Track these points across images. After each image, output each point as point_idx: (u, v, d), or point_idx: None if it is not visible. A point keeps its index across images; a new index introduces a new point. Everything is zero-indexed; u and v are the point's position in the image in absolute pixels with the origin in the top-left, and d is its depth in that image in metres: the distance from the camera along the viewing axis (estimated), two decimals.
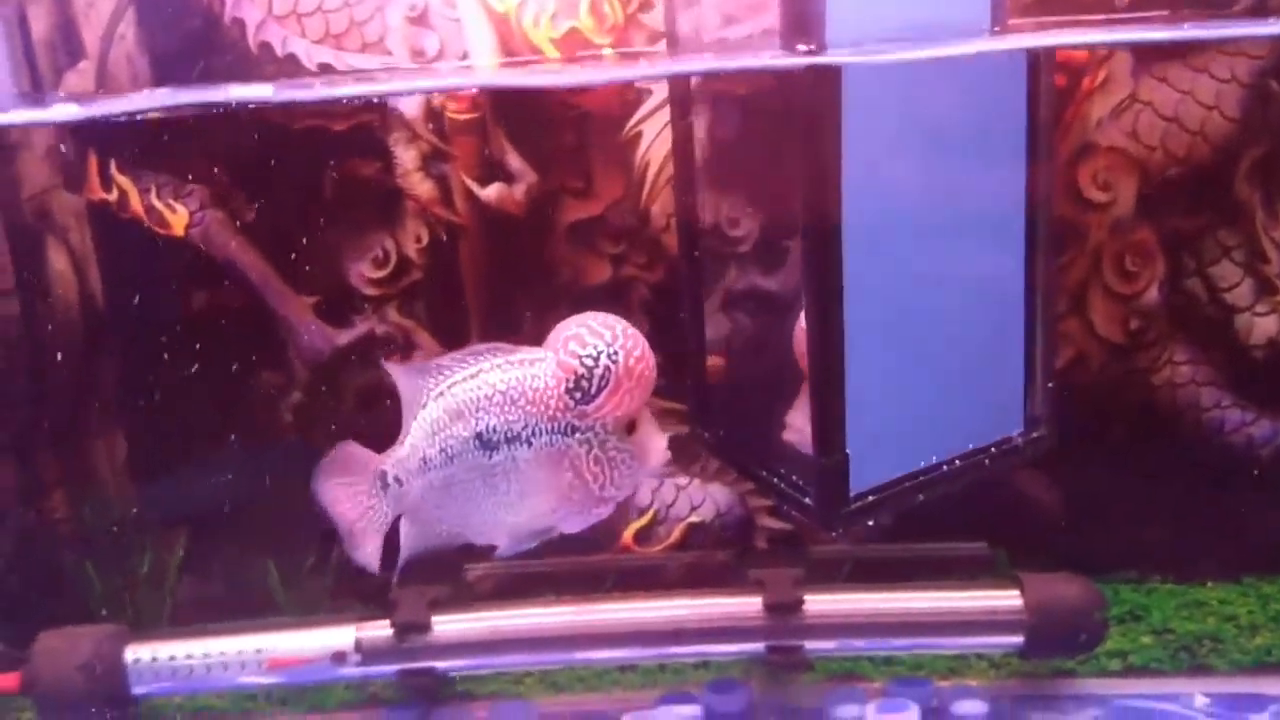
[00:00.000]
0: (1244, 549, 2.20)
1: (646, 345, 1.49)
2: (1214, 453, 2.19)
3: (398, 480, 1.55)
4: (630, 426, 1.50)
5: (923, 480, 1.85)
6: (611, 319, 1.50)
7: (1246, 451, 2.18)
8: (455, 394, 1.52)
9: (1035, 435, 1.94)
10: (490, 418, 1.50)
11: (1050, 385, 1.92)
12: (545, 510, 1.54)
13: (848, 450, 1.76)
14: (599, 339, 1.46)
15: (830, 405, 1.75)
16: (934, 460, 1.87)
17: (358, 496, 1.59)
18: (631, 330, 1.49)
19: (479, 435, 1.51)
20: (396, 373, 1.58)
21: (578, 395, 1.47)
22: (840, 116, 1.65)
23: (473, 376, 1.51)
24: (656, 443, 1.52)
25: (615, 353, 1.46)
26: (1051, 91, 1.87)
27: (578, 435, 1.49)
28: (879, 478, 1.84)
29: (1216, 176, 2.11)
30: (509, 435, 1.50)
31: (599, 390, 1.47)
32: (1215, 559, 2.22)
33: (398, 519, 1.59)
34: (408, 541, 1.60)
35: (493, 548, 1.63)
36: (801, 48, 1.64)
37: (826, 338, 1.73)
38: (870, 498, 1.83)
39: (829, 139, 1.65)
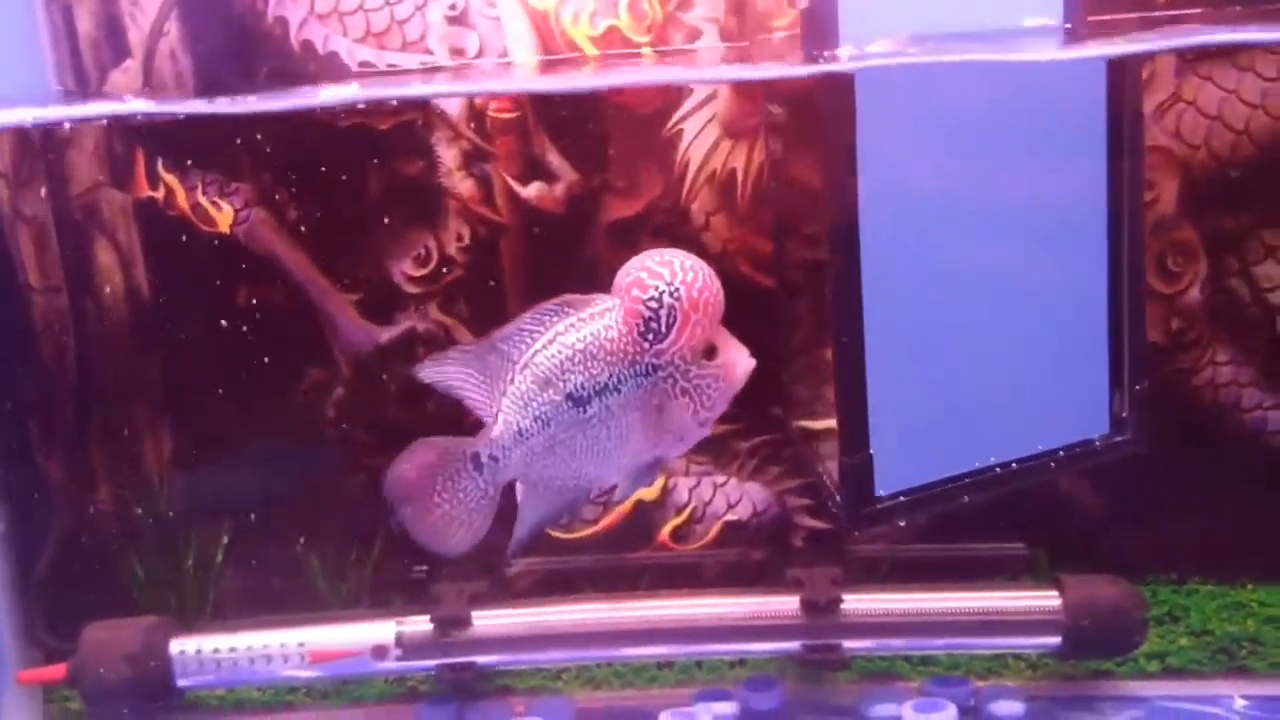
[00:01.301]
0: None
1: (707, 272, 1.50)
2: (1255, 453, 2.18)
3: (493, 458, 1.58)
4: (710, 351, 1.53)
5: (970, 483, 1.85)
6: (669, 254, 1.51)
7: None
8: (538, 363, 1.55)
9: (1118, 439, 1.92)
10: (576, 377, 1.54)
11: (1139, 389, 1.90)
12: (648, 446, 1.57)
13: (871, 450, 1.76)
14: (658, 279, 1.49)
15: (852, 405, 1.76)
16: (990, 462, 1.86)
17: (451, 485, 1.60)
18: (689, 262, 1.50)
19: (569, 395, 1.55)
20: (466, 359, 1.60)
21: (649, 336, 1.51)
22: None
23: (550, 343, 1.55)
24: (738, 360, 1.53)
25: (676, 289, 1.48)
26: (1137, 85, 1.86)
27: (660, 372, 1.53)
28: (915, 479, 1.84)
29: (1261, 175, 2.09)
30: (597, 388, 1.54)
31: (668, 328, 1.50)
32: (1255, 561, 2.20)
33: (503, 496, 1.62)
34: (530, 508, 1.63)
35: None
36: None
37: (849, 338, 1.74)
38: (901, 498, 1.83)
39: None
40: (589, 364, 1.53)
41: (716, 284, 1.50)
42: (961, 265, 1.84)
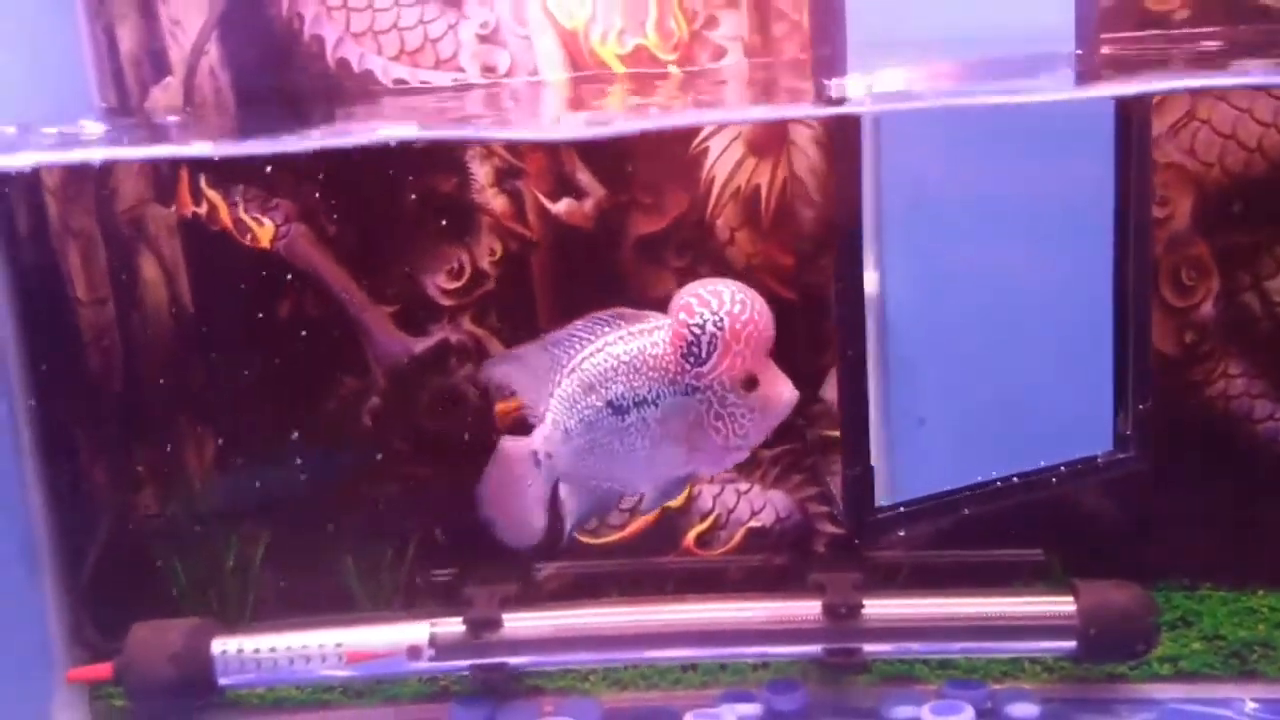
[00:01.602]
0: None
1: (758, 307, 1.55)
2: (1267, 463, 2.21)
3: (548, 455, 1.66)
4: (750, 382, 1.57)
5: (970, 496, 1.89)
6: (722, 285, 1.56)
7: None
8: (585, 368, 1.62)
9: (1121, 456, 1.95)
10: (618, 386, 1.61)
11: (1142, 407, 1.93)
12: (680, 461, 1.63)
13: (872, 463, 1.81)
14: (706, 307, 1.54)
15: (854, 419, 1.80)
16: (990, 476, 1.90)
17: (523, 482, 1.69)
18: (740, 295, 1.54)
19: (610, 402, 1.61)
20: (517, 358, 1.68)
21: (691, 360, 1.56)
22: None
23: (599, 350, 1.62)
24: (779, 395, 1.57)
25: (721, 319, 1.53)
26: (1146, 110, 1.89)
27: (698, 395, 1.58)
28: (918, 490, 1.89)
29: (1273, 192, 2.13)
30: (636, 400, 1.60)
31: (709, 354, 1.55)
32: (1266, 567, 2.24)
33: (554, 490, 1.70)
34: (570, 505, 1.71)
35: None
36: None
37: (852, 353, 1.79)
38: (901, 509, 1.87)
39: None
40: (631, 376, 1.60)
41: (766, 319, 1.55)
42: (967, 284, 1.88)
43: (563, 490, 1.69)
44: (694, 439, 1.61)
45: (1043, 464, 1.93)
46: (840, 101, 1.74)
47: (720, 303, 1.54)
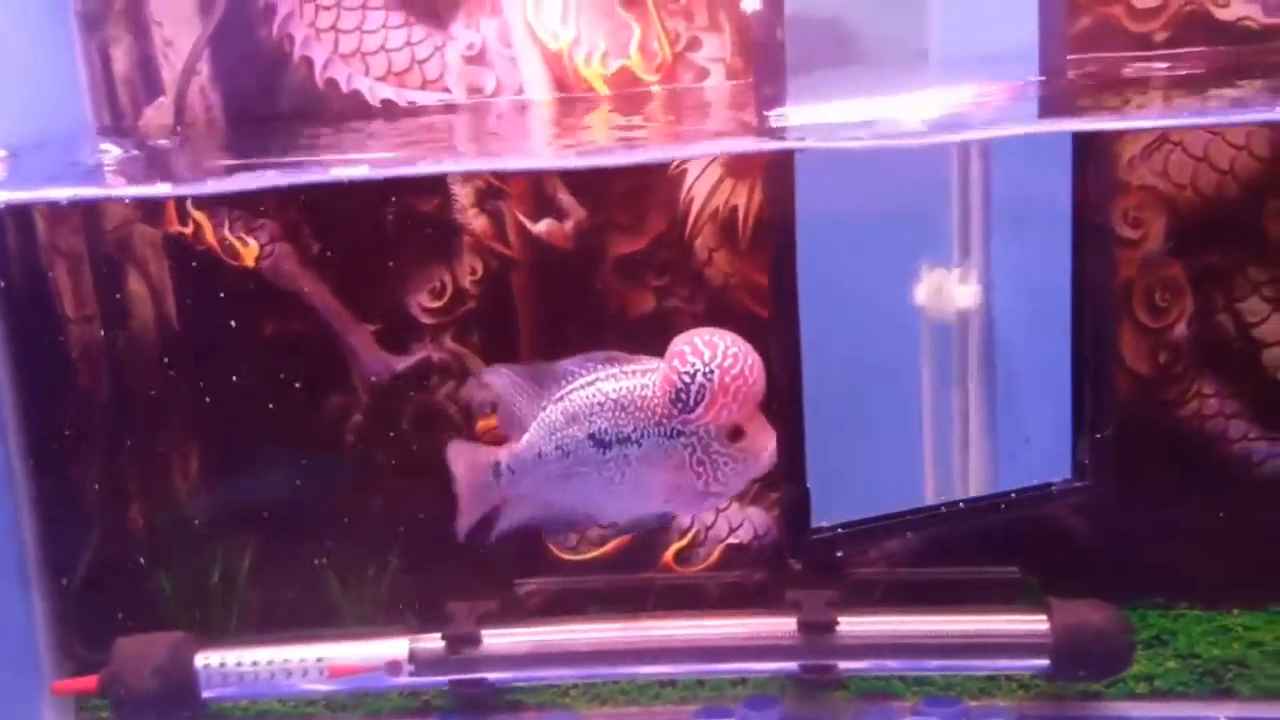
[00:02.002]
0: (1270, 577, 2.23)
1: (750, 361, 1.58)
2: (1241, 483, 2.23)
3: (510, 469, 1.72)
4: (736, 432, 1.61)
5: (912, 519, 1.91)
6: (718, 336, 1.60)
7: (1274, 482, 2.21)
8: (572, 400, 1.67)
9: (1077, 484, 1.97)
10: (602, 421, 1.65)
11: (1099, 436, 1.93)
12: (657, 500, 1.68)
13: (808, 485, 1.84)
14: (699, 357, 1.59)
15: (791, 444, 1.84)
16: (934, 501, 1.92)
17: (473, 479, 1.75)
18: (734, 348, 1.58)
19: (592, 435, 1.66)
20: (511, 376, 1.73)
21: (679, 405, 1.60)
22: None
23: (589, 385, 1.66)
24: (761, 448, 1.62)
25: (711, 371, 1.57)
26: (1106, 146, 1.92)
27: (682, 439, 1.63)
28: (854, 513, 1.91)
29: (1245, 214, 2.15)
30: (619, 437, 1.65)
31: (697, 403, 1.59)
32: (1241, 587, 2.25)
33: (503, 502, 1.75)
34: (509, 518, 1.76)
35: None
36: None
37: (788, 379, 1.83)
38: (839, 529, 1.90)
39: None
40: (617, 413, 1.65)
41: (757, 373, 1.59)
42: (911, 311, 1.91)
43: (518, 507, 1.73)
44: (673, 480, 1.64)
45: (999, 489, 1.94)
46: (779, 134, 1.77)
47: (713, 354, 1.58)
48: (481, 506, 1.74)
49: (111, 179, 1.98)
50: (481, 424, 2.32)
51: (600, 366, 1.66)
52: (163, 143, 2.27)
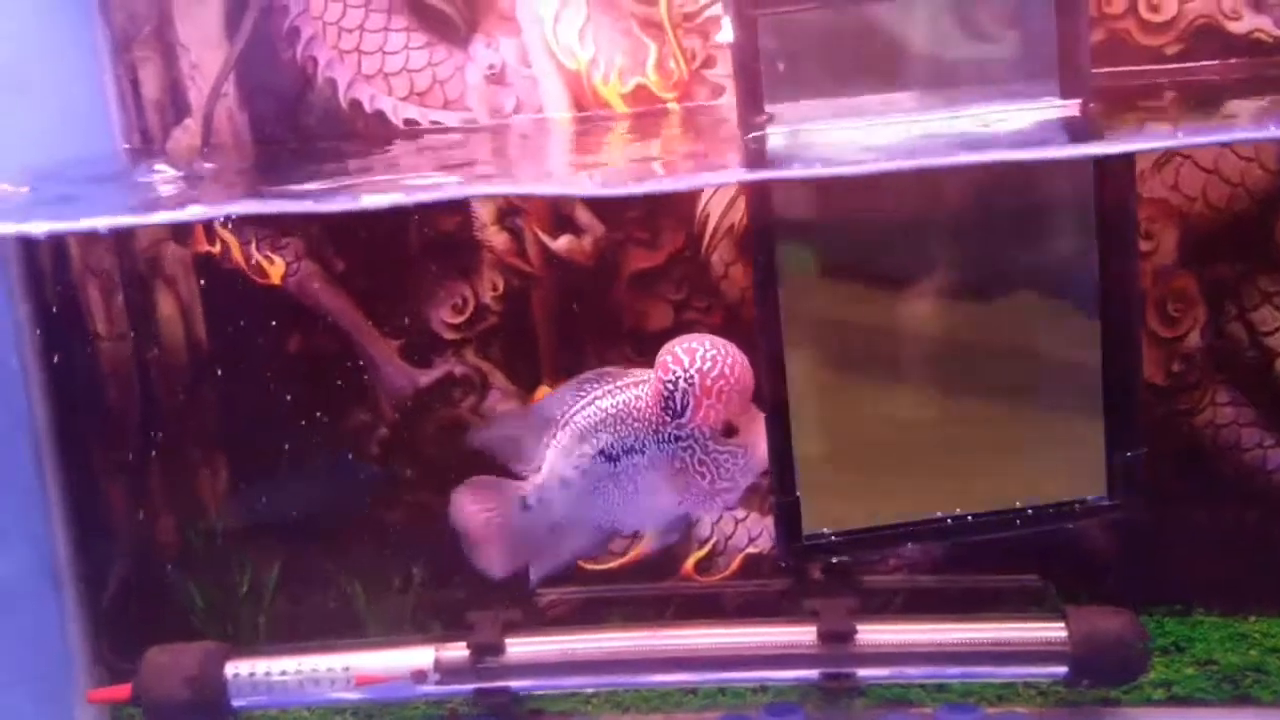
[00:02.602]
0: None
1: (730, 361, 1.64)
2: (1256, 491, 2.24)
3: (539, 501, 1.78)
4: (731, 430, 1.67)
5: (913, 530, 1.94)
6: (697, 341, 1.66)
7: None
8: (576, 421, 1.73)
9: (1101, 503, 1.96)
10: (606, 436, 1.71)
11: (1130, 455, 1.92)
12: (672, 504, 1.74)
13: (798, 493, 1.90)
14: (679, 364, 1.65)
15: (780, 451, 1.88)
16: (938, 514, 1.95)
17: (501, 519, 1.80)
18: (712, 351, 1.64)
19: (601, 451, 1.72)
20: (523, 414, 1.85)
21: (670, 412, 1.66)
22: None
23: (589, 404, 1.73)
24: (758, 440, 1.69)
25: (691, 376, 1.64)
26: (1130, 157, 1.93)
27: (680, 443, 1.69)
28: (849, 523, 1.95)
29: (1256, 225, 2.16)
30: (624, 448, 1.72)
31: (683, 408, 1.64)
32: (1258, 593, 2.26)
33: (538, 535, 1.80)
34: (549, 555, 1.81)
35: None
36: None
37: (774, 385, 1.87)
38: (832, 538, 1.95)
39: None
40: (619, 426, 1.71)
41: (739, 371, 1.65)
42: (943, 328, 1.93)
43: (552, 535, 1.78)
44: (682, 483, 1.70)
45: (1017, 504, 1.96)
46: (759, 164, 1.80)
47: (691, 360, 1.65)
48: (513, 543, 1.79)
49: (187, 202, 2.00)
50: None
51: (595, 385, 1.72)
52: (208, 165, 2.30)
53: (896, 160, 1.68)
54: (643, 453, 1.70)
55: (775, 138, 1.84)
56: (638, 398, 1.70)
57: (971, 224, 1.96)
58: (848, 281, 1.98)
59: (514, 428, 1.80)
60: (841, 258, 1.96)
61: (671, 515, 1.75)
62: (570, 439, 1.73)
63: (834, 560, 2.08)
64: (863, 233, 1.95)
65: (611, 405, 1.71)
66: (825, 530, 1.96)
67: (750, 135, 1.84)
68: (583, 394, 1.73)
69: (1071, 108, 1.75)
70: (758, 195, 1.89)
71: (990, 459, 1.97)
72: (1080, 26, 1.74)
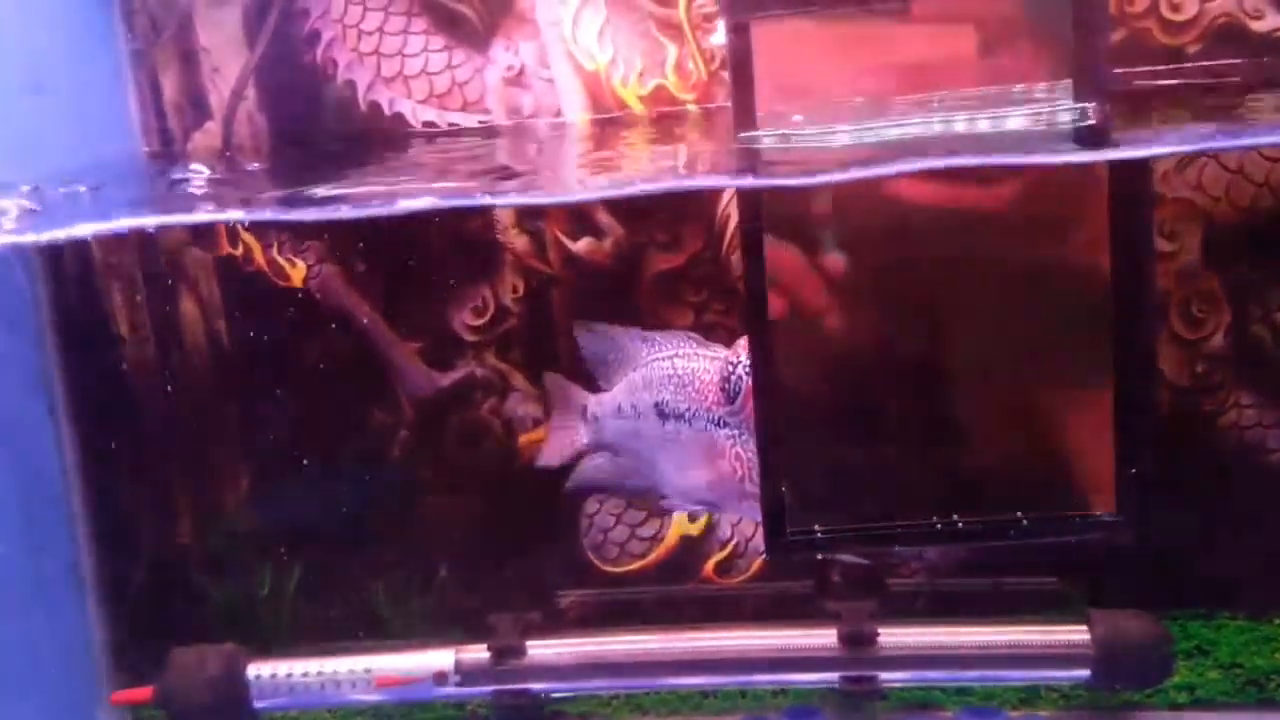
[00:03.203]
0: None
1: None
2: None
3: (595, 417, 1.87)
4: None
5: (902, 532, 1.94)
6: None
7: None
8: (651, 367, 1.79)
9: (1102, 519, 1.92)
10: (667, 393, 1.76)
11: (1134, 471, 1.89)
12: (702, 485, 1.76)
13: (783, 489, 1.87)
14: (745, 350, 1.64)
15: (769, 446, 1.86)
16: (929, 518, 1.94)
17: (565, 415, 1.94)
18: None
19: (657, 404, 1.78)
20: (609, 334, 1.89)
21: (725, 394, 1.66)
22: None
23: (668, 358, 1.78)
24: None
25: (750, 368, 1.65)
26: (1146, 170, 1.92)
27: (726, 429, 1.69)
28: (837, 521, 1.94)
29: None
30: (677, 412, 1.76)
31: (737, 394, 1.64)
32: None
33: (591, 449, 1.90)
34: (592, 470, 1.91)
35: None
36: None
37: (765, 381, 1.85)
38: (817, 534, 1.93)
39: None
40: (680, 389, 1.72)
41: None
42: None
43: (598, 455, 1.80)
44: (716, 469, 1.68)
45: (1000, 515, 1.94)
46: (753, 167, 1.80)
47: None
48: (567, 440, 1.83)
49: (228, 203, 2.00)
50: (524, 438, 2.36)
51: (682, 344, 1.73)
52: (252, 166, 2.32)
53: (887, 166, 1.66)
54: (691, 424, 1.71)
55: (769, 140, 1.84)
56: (705, 370, 1.71)
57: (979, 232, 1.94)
58: (844, 281, 1.97)
59: (609, 346, 1.86)
60: (838, 258, 1.94)
61: (699, 498, 1.74)
62: (640, 380, 1.78)
63: (819, 557, 2.08)
64: (860, 234, 1.94)
65: (683, 368, 1.74)
66: (813, 528, 1.96)
67: (742, 136, 1.84)
68: (669, 346, 1.77)
69: (1088, 111, 1.72)
70: (747, 200, 1.88)
71: (992, 466, 1.96)
72: (1097, 27, 1.72)
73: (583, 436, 1.89)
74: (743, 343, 1.65)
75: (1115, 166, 1.77)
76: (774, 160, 1.75)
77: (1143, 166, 1.90)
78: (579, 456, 1.92)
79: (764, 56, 1.76)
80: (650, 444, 1.77)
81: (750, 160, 1.76)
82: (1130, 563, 2.26)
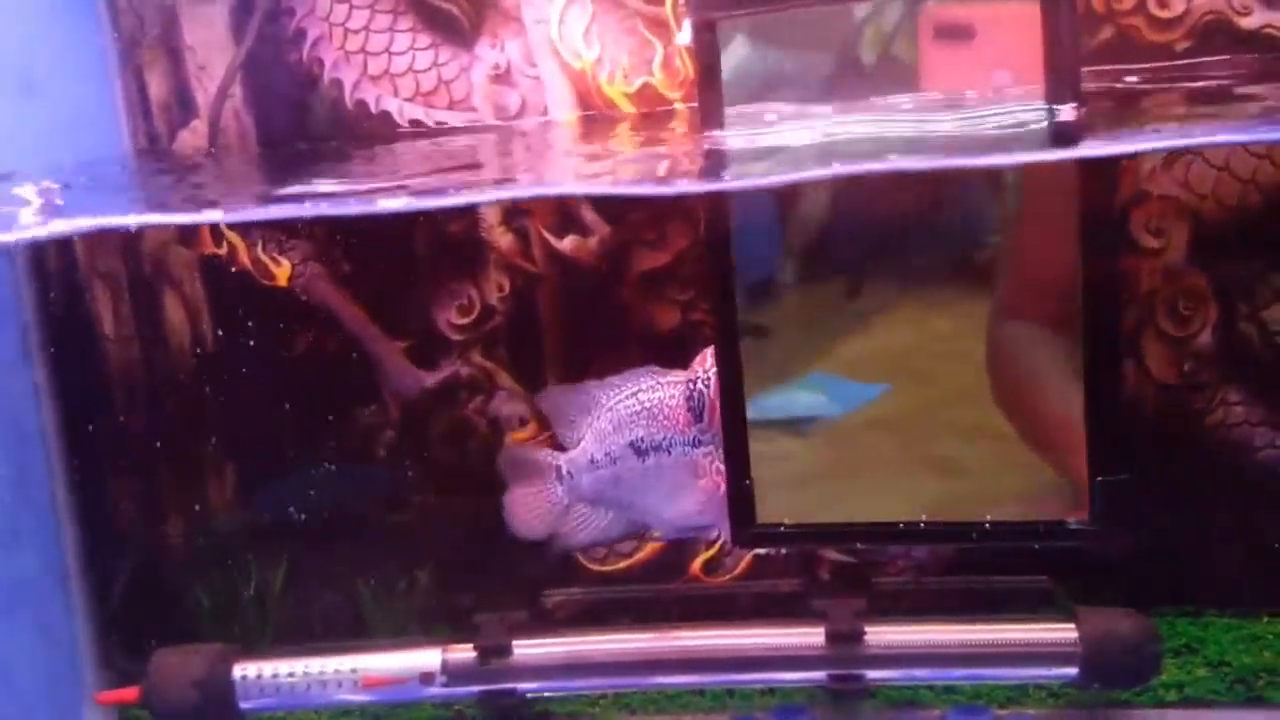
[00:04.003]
0: None
1: None
2: (1269, 490, 2.21)
3: (569, 474, 1.88)
4: None
5: (864, 531, 1.96)
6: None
7: None
8: (616, 410, 1.81)
9: (1073, 525, 1.93)
10: (640, 429, 1.79)
11: (1100, 480, 1.89)
12: (692, 510, 1.80)
13: (750, 478, 1.90)
14: (701, 364, 1.66)
15: (734, 436, 1.87)
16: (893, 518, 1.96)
17: (538, 483, 1.93)
18: None
19: (632, 444, 1.81)
20: (567, 393, 1.91)
21: (693, 414, 1.66)
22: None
23: (630, 395, 1.80)
24: None
25: (708, 377, 1.67)
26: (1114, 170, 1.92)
27: (702, 448, 1.70)
28: (809, 516, 1.96)
29: (1268, 223, 2.14)
30: (654, 445, 1.79)
31: (702, 409, 1.66)
32: (1271, 594, 2.24)
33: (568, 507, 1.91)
34: (578, 528, 1.93)
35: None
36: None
37: (729, 373, 1.86)
38: (782, 528, 1.96)
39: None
40: (651, 423, 1.73)
41: None
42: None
43: (581, 512, 1.80)
44: (702, 487, 1.70)
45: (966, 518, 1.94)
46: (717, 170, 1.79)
47: (709, 365, 1.64)
48: (544, 507, 1.83)
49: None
50: (510, 437, 2.36)
51: (642, 379, 1.74)
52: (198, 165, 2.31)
53: (847, 166, 1.65)
54: (668, 451, 1.72)
55: (735, 140, 1.84)
56: (672, 397, 1.72)
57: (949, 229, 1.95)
58: (811, 280, 1.98)
59: (565, 402, 1.88)
60: (805, 255, 1.95)
61: (689, 520, 1.76)
62: (608, 425, 1.81)
63: (782, 551, 2.12)
64: (827, 232, 1.95)
65: (648, 400, 1.76)
66: (780, 521, 1.96)
67: (708, 135, 1.84)
68: (628, 385, 1.80)
69: (1060, 112, 1.71)
70: (710, 200, 1.89)
71: (964, 469, 1.96)
72: (1066, 26, 1.71)
73: (561, 498, 1.90)
74: (699, 358, 1.66)
75: (1085, 168, 1.77)
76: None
77: (1112, 178, 1.90)
78: (559, 519, 1.93)
79: None
80: (632, 486, 1.81)
81: (718, 162, 1.76)
82: (1118, 561, 2.25)
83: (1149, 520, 1.97)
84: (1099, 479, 1.88)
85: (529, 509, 1.93)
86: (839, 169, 1.59)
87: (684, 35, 2.11)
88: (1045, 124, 1.68)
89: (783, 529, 1.95)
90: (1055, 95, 1.70)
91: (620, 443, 1.80)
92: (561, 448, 1.92)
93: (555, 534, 1.95)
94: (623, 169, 1.94)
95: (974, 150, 1.60)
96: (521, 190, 1.94)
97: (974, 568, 2.26)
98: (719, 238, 1.89)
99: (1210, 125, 1.74)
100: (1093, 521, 1.91)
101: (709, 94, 1.84)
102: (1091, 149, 1.61)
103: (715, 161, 1.77)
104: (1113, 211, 1.92)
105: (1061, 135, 1.67)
